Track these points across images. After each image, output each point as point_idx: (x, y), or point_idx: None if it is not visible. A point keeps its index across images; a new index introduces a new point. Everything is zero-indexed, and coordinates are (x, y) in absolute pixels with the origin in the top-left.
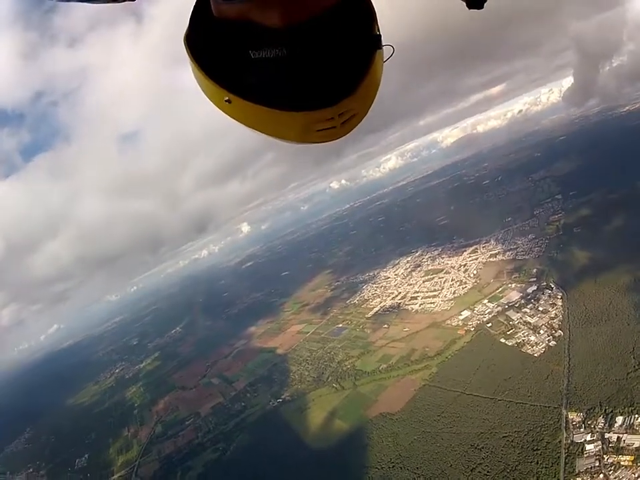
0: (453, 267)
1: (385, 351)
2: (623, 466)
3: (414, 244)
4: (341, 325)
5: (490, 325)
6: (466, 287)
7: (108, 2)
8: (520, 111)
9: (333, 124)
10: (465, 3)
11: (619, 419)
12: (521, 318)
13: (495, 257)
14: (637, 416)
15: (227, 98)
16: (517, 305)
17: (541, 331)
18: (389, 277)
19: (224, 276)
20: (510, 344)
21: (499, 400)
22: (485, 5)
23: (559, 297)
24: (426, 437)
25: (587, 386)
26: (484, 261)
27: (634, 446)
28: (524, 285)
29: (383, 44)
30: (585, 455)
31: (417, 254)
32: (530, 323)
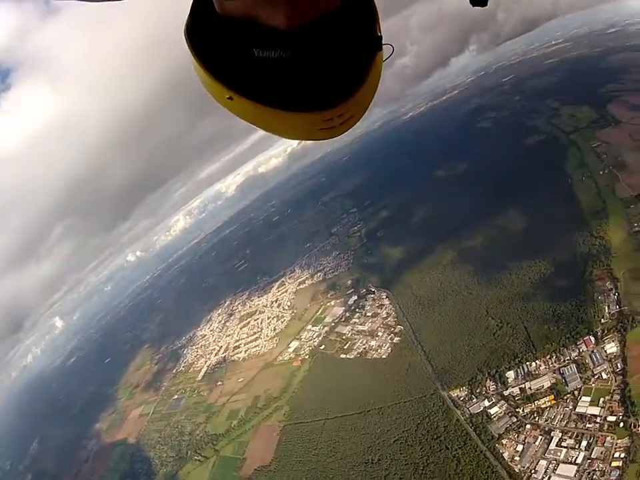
0: (265, 306)
1: (229, 407)
2: (546, 407)
3: (220, 296)
4: (176, 396)
5: (323, 346)
6: (284, 320)
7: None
8: (299, 143)
9: (332, 124)
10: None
11: (510, 374)
12: (352, 329)
13: (304, 283)
14: (528, 363)
15: (229, 96)
16: (343, 320)
17: (379, 334)
18: (205, 335)
19: (54, 379)
20: (352, 357)
21: (369, 411)
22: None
23: (384, 296)
24: (313, 473)
25: (455, 362)
26: (294, 290)
27: (545, 386)
28: (343, 299)
29: (383, 43)
30: (495, 419)
31: (226, 304)
32: (364, 331)
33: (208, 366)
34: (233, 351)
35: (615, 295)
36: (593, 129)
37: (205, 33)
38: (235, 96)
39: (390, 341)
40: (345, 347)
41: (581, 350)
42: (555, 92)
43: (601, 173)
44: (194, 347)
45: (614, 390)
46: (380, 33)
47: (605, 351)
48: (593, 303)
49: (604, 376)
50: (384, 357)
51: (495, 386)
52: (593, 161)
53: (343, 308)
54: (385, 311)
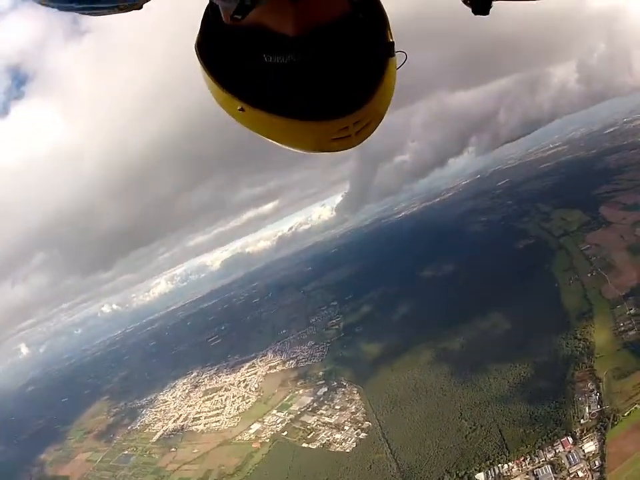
0: (232, 384)
1: (180, 474)
2: None
3: (188, 366)
4: (127, 452)
5: (286, 433)
6: (250, 401)
7: (112, 13)
8: (290, 228)
9: (348, 133)
10: (470, 9)
11: (480, 476)
12: (318, 420)
13: (275, 368)
14: (500, 465)
15: (240, 107)
16: (310, 409)
17: (345, 427)
18: (167, 400)
19: (10, 400)
20: (314, 447)
21: None
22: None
23: (355, 392)
24: None
25: (422, 462)
26: (264, 373)
27: None
28: (313, 389)
29: (396, 50)
30: None
31: (193, 375)
32: (330, 423)
33: (164, 430)
34: (193, 421)
35: (596, 394)
36: (584, 231)
37: (215, 46)
38: (246, 107)
39: (356, 436)
40: (308, 437)
41: (557, 451)
42: (548, 196)
43: (589, 275)
44: (153, 410)
45: None
46: (392, 39)
47: (583, 450)
48: (572, 404)
49: (580, 474)
50: (347, 450)
51: None
52: (582, 263)
53: (312, 398)
54: (354, 406)
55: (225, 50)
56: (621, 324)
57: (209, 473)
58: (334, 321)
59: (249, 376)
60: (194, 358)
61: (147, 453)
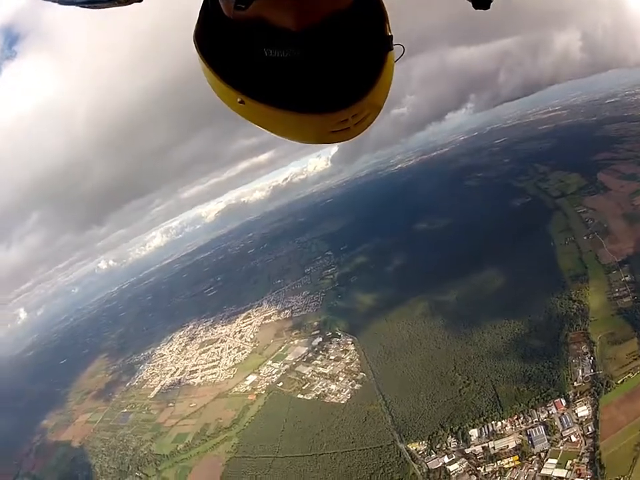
0: (228, 335)
1: (178, 430)
2: (509, 468)
3: (184, 318)
4: (125, 410)
5: (281, 384)
6: (245, 352)
7: (113, 6)
8: (285, 179)
9: (347, 125)
10: (470, 3)
11: (474, 432)
12: (313, 370)
13: (270, 318)
14: (494, 422)
15: (240, 99)
16: (305, 360)
17: (340, 378)
18: (164, 354)
19: (10, 368)
20: (309, 398)
21: (321, 454)
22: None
23: (350, 342)
24: None
25: (416, 415)
26: (259, 324)
27: (509, 447)
28: (308, 339)
29: (394, 44)
30: (454, 475)
31: (189, 327)
32: (325, 373)
33: (162, 385)
34: (189, 374)
35: (590, 358)
36: (581, 195)
37: (214, 38)
38: (246, 99)
39: (351, 387)
40: (303, 387)
41: (550, 412)
42: (546, 157)
43: (585, 238)
44: (151, 365)
45: (582, 453)
46: (390, 32)
47: (576, 414)
48: (566, 365)
49: (573, 439)
50: (342, 402)
51: (456, 443)
52: (578, 226)
53: (307, 348)
54: (348, 357)
55: (224, 42)
56: (616, 289)
57: (207, 427)
58: (329, 271)
59: (245, 327)
60: (190, 310)
61: (146, 409)
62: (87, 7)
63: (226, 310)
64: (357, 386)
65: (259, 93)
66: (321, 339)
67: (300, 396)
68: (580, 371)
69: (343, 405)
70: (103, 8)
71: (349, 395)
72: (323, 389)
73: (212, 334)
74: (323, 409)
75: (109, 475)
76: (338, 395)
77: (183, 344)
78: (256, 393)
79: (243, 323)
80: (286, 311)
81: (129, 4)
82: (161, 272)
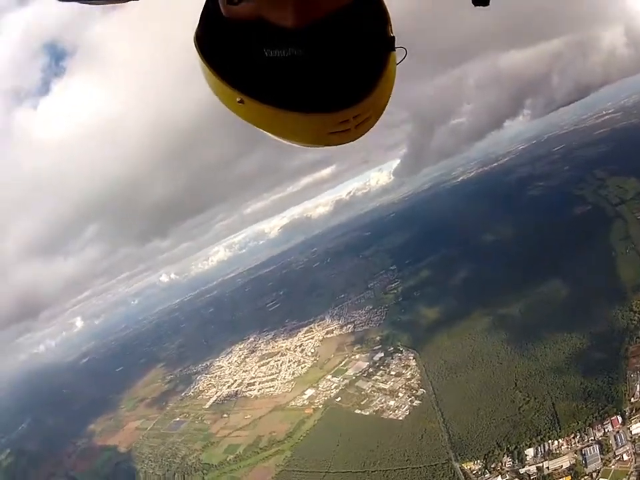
0: (289, 349)
1: (229, 440)
2: None
3: (245, 331)
4: (178, 419)
5: (339, 399)
6: (305, 366)
7: (111, 3)
8: (348, 193)
9: (348, 126)
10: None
11: (530, 451)
12: (372, 386)
13: (332, 332)
14: (550, 441)
15: (240, 99)
16: (365, 375)
17: (400, 394)
18: (222, 366)
19: (63, 373)
20: (367, 413)
21: (373, 471)
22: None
23: (411, 357)
24: None
25: (474, 433)
26: (320, 338)
27: (563, 467)
28: (369, 354)
29: (396, 46)
30: None
31: (250, 340)
32: (384, 389)
33: (218, 396)
34: (247, 387)
35: None
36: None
37: (214, 38)
38: (245, 99)
39: (410, 403)
40: (362, 403)
41: (606, 430)
42: (604, 162)
43: None
44: (208, 376)
45: (631, 472)
46: (392, 33)
47: (630, 432)
48: (625, 380)
49: (625, 457)
50: (400, 418)
51: (511, 462)
52: (638, 233)
53: (368, 363)
54: (409, 372)
55: (224, 42)
56: None
57: (260, 439)
58: (392, 285)
59: (306, 340)
60: (251, 323)
61: (199, 419)
62: (87, 3)
63: (288, 324)
64: (415, 402)
65: (258, 92)
66: (382, 354)
67: (358, 411)
68: (638, 386)
69: (401, 422)
70: (102, 4)
71: (408, 411)
72: (382, 405)
73: (272, 347)
74: (380, 425)
75: None
76: (396, 412)
77: (243, 356)
78: (313, 407)
79: (305, 337)
80: (348, 326)
81: (126, 1)
82: (224, 286)
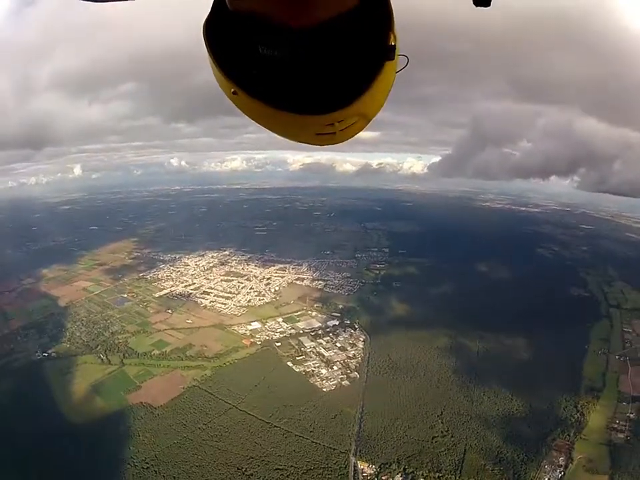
0: (256, 277)
1: (162, 336)
2: None
3: (225, 243)
4: (126, 295)
5: (279, 344)
6: (263, 300)
7: (110, 0)
8: (379, 164)
9: (333, 130)
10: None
11: None
12: (314, 347)
13: (302, 281)
14: None
15: (234, 90)
16: (313, 334)
17: (334, 367)
18: (188, 265)
19: (40, 211)
20: (297, 370)
21: (276, 426)
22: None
23: (362, 339)
24: (187, 444)
25: (383, 438)
26: (289, 281)
27: None
28: (325, 317)
29: (399, 53)
30: None
31: (225, 253)
32: (323, 355)
33: (171, 291)
34: (202, 294)
35: (560, 473)
36: (634, 316)
37: (219, 28)
38: (239, 91)
39: (339, 380)
40: (297, 358)
41: None
42: (621, 264)
43: (617, 357)
44: (171, 268)
45: None
46: (394, 42)
47: None
48: (537, 467)
49: None
50: (324, 389)
51: None
52: (616, 343)
53: (320, 324)
54: (353, 351)
55: (225, 33)
56: (617, 421)
57: (189, 347)
58: (377, 265)
59: (275, 277)
60: (234, 238)
61: (144, 304)
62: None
63: (266, 254)
64: (345, 382)
65: (250, 87)
66: (337, 323)
67: (289, 364)
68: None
69: (323, 393)
70: (101, 1)
71: (334, 386)
72: (314, 369)
73: (242, 269)
74: (303, 386)
75: (74, 343)
76: (324, 382)
77: (211, 265)
78: (252, 340)
79: (276, 273)
80: (320, 282)
81: None
82: (226, 193)
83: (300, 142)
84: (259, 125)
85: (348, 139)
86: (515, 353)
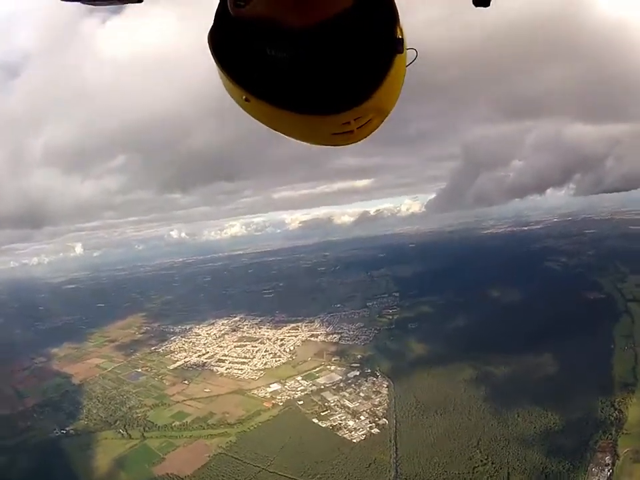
0: (269, 339)
1: (181, 407)
2: None
3: (234, 310)
4: (140, 370)
5: (301, 402)
6: (279, 360)
7: (113, 4)
8: (377, 210)
9: (350, 128)
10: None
11: None
12: (338, 401)
13: (317, 337)
14: None
15: (245, 97)
16: (334, 387)
17: (361, 417)
18: (200, 335)
19: (45, 291)
20: (324, 425)
21: None
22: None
23: (385, 385)
24: None
25: (422, 478)
26: (303, 339)
27: None
28: (345, 369)
29: (407, 47)
30: None
31: (235, 319)
32: (348, 407)
33: (185, 362)
34: (216, 362)
35: (609, 471)
36: None
37: (224, 37)
38: (251, 98)
39: (368, 429)
40: (322, 414)
41: None
42: (631, 258)
43: None
44: (183, 339)
45: None
46: (401, 35)
47: None
48: (585, 472)
49: None
50: (355, 440)
51: None
52: None
53: (341, 377)
54: (378, 399)
55: (232, 41)
56: None
57: (211, 416)
58: (390, 310)
59: (289, 337)
60: (242, 304)
61: (159, 377)
62: (88, 3)
63: (277, 315)
64: (374, 430)
65: (262, 92)
66: (357, 373)
67: (315, 420)
68: None
69: (354, 444)
70: (103, 5)
71: (364, 436)
72: (340, 422)
73: (254, 332)
74: (332, 440)
75: (92, 420)
76: (353, 433)
77: (223, 332)
78: (273, 402)
79: (289, 333)
80: (334, 335)
81: (128, 2)
82: (229, 260)
83: (317, 144)
84: (274, 130)
85: (365, 137)
86: (542, 369)
